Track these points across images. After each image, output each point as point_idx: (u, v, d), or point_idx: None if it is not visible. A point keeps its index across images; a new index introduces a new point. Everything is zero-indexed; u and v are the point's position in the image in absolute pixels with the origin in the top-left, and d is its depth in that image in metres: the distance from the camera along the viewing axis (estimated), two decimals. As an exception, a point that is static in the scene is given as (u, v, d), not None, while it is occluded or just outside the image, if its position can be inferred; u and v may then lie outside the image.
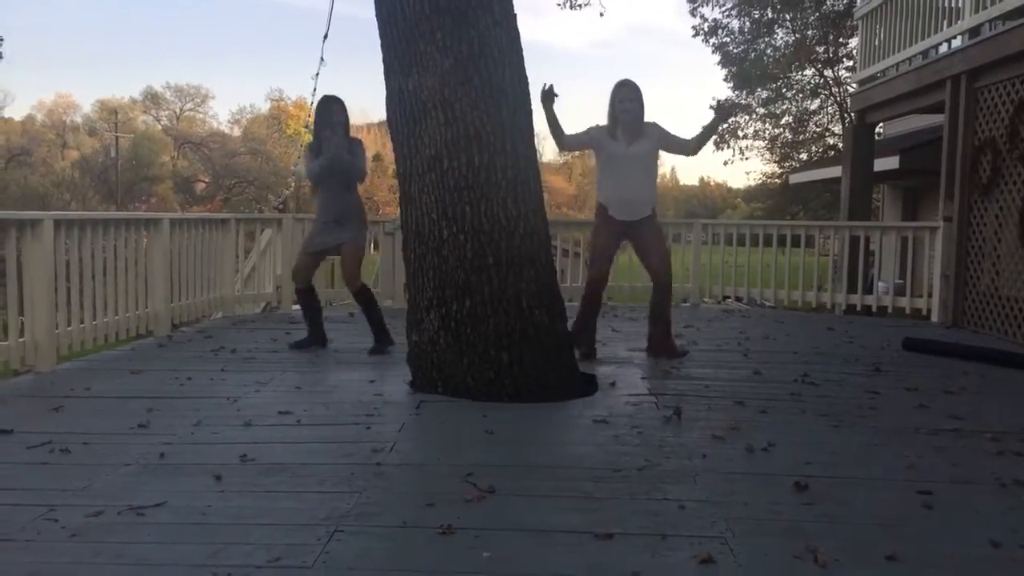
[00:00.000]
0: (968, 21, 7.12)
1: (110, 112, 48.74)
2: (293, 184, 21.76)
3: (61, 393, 4.07)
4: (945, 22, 7.72)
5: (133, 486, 2.75)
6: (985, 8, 6.84)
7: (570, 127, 4.96)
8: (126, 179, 44.64)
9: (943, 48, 7.81)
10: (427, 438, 3.45)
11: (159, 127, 52.69)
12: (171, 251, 5.98)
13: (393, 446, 3.22)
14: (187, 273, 6.30)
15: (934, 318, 7.30)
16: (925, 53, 8.15)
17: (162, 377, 4.46)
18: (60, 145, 49.62)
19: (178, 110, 54.34)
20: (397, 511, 2.56)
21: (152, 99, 53.84)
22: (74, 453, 3.09)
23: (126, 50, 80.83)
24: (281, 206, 13.07)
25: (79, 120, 53.57)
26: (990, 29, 6.88)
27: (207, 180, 47.48)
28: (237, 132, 52.97)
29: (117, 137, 44.63)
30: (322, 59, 7.86)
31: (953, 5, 7.62)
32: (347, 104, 5.30)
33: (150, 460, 3.02)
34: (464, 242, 3.94)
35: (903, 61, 8.64)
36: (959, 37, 7.40)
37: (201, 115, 54.71)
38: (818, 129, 26.56)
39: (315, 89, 8.60)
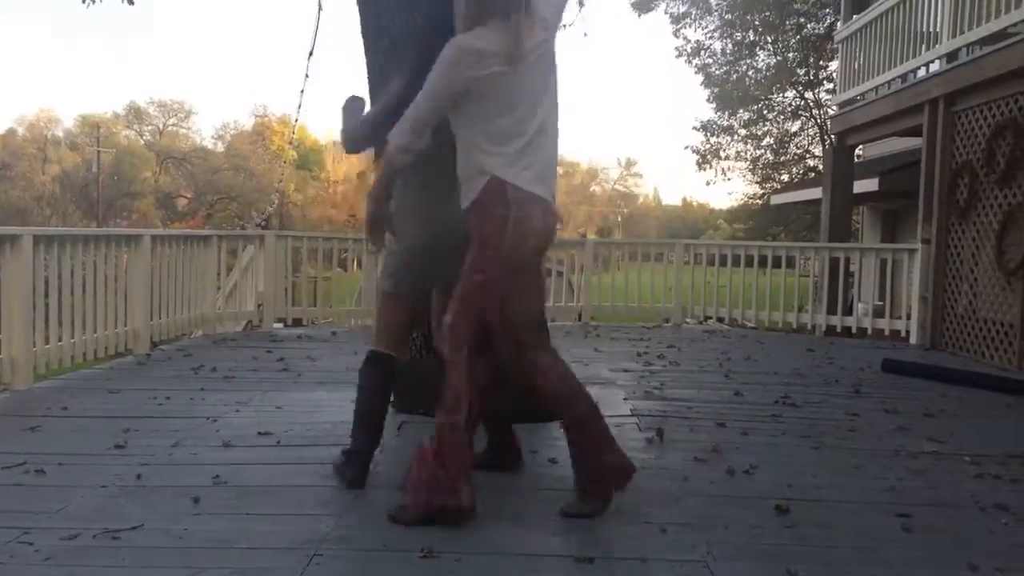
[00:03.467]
0: (946, 46, 7.24)
1: (92, 127, 48.46)
2: (276, 200, 21.68)
3: (37, 412, 4.01)
4: (923, 46, 7.84)
5: (109, 508, 2.71)
6: (962, 33, 6.96)
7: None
8: (107, 194, 44.33)
9: (921, 72, 7.94)
10: (408, 459, 3.42)
11: (142, 142, 52.40)
12: (152, 268, 5.93)
13: (374, 467, 3.19)
14: (167, 290, 6.25)
15: (913, 340, 7.37)
16: (904, 77, 8.27)
17: (140, 396, 4.41)
18: (41, 160, 49.22)
19: (161, 125, 54.10)
20: (377, 534, 2.54)
21: (135, 114, 53.58)
22: (49, 474, 3.04)
23: (110, 65, 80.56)
24: (264, 223, 13.03)
25: (61, 135, 53.25)
26: (967, 54, 7.00)
27: (189, 196, 47.26)
28: (221, 148, 52.84)
29: (99, 152, 44.36)
30: (307, 75, 7.89)
31: (931, 30, 7.75)
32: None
33: (127, 482, 2.98)
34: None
35: (882, 84, 8.77)
36: (937, 61, 7.52)
37: (184, 130, 54.50)
38: (799, 151, 26.86)
39: (300, 105, 8.60)
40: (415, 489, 2.62)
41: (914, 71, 8.07)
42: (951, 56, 7.20)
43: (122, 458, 3.27)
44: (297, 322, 8.01)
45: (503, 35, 2.55)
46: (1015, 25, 6.26)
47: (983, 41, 6.71)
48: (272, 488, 2.96)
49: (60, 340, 5.02)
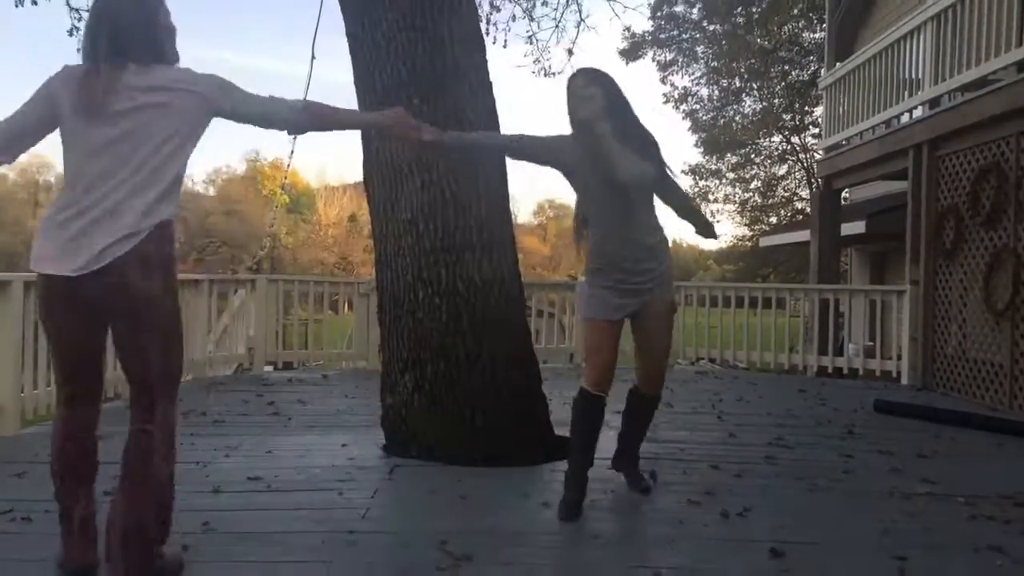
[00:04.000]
0: (928, 92, 7.39)
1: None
2: (268, 244, 21.71)
3: (24, 458, 3.96)
4: (906, 92, 8.00)
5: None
6: (944, 80, 7.11)
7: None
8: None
9: (905, 118, 8.08)
10: (401, 504, 3.39)
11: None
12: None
13: (366, 512, 3.17)
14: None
15: (904, 380, 7.38)
16: (888, 122, 8.42)
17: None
18: (32, 204, 49.19)
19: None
20: (369, 581, 2.50)
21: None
22: (36, 522, 2.99)
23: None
24: (256, 267, 13.03)
25: (52, 180, 53.23)
26: (949, 100, 7.15)
27: (180, 240, 47.17)
28: (212, 192, 52.95)
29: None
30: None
31: (914, 77, 7.92)
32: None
33: (114, 528, 2.93)
34: (439, 304, 3.95)
35: (867, 130, 8.92)
36: (920, 107, 7.67)
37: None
38: (786, 193, 27.19)
39: (292, 152, 8.68)
40: None
41: (898, 117, 8.22)
42: (934, 102, 7.35)
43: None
44: (288, 365, 7.97)
45: None
46: (994, 72, 6.42)
47: (964, 88, 6.86)
48: (262, 534, 2.92)
49: (49, 385, 4.97)
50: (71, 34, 7.71)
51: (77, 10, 7.62)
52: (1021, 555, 2.78)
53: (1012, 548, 2.85)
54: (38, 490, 3.39)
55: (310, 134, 2.79)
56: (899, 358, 7.58)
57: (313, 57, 6.88)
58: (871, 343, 8.16)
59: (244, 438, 4.47)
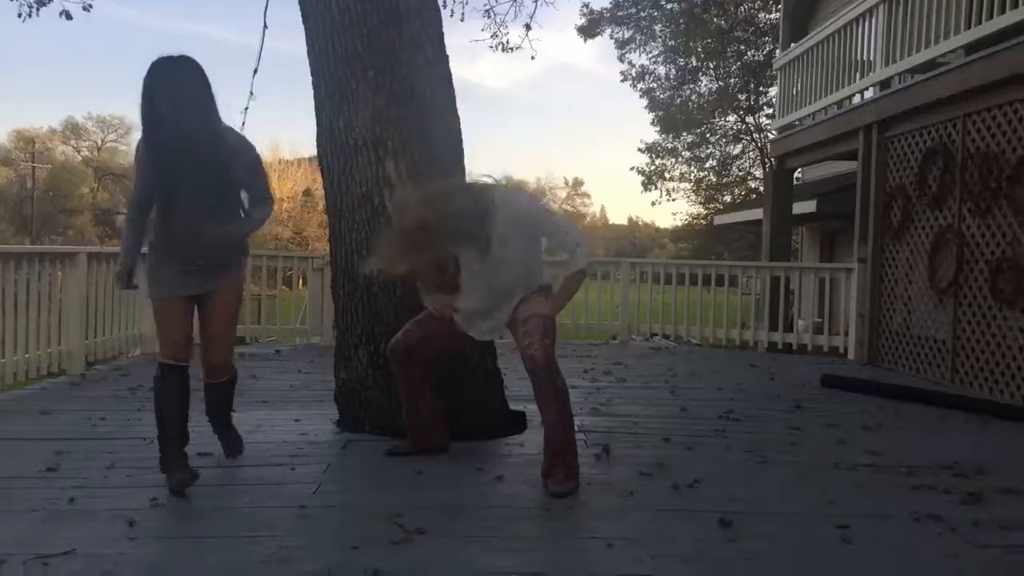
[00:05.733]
0: (879, 74, 7.51)
1: (27, 142, 47.03)
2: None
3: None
4: (858, 74, 8.12)
5: (40, 533, 2.61)
6: (894, 62, 7.24)
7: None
8: (43, 211, 43.03)
9: (856, 99, 8.21)
10: (354, 479, 3.38)
11: (79, 158, 51.03)
12: (88, 286, 5.76)
13: (318, 488, 3.14)
14: (104, 309, 6.08)
15: (850, 356, 7.56)
16: (839, 103, 8.55)
17: (74, 418, 4.26)
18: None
19: (99, 141, 52.79)
20: (322, 556, 2.49)
21: (72, 129, 52.17)
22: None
23: (49, 81, 78.35)
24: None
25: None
26: (899, 82, 7.27)
27: (123, 211, 46.12)
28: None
29: (34, 168, 43.07)
30: (251, 93, 7.77)
31: (865, 58, 8.04)
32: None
33: (59, 506, 2.87)
34: (394, 280, 3.91)
35: (819, 110, 9.04)
36: (871, 89, 7.79)
37: (124, 147, 53.09)
38: (741, 173, 27.56)
39: (243, 123, 8.46)
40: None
41: (849, 98, 8.35)
42: (884, 84, 7.47)
43: (54, 481, 3.15)
44: (240, 340, 7.84)
45: None
46: (944, 55, 6.54)
47: (914, 70, 6.98)
48: (212, 510, 2.88)
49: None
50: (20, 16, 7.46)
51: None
52: (959, 523, 2.88)
53: (950, 517, 2.94)
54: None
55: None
56: (847, 334, 7.75)
57: (265, 27, 6.70)
58: (820, 320, 8.34)
59: (194, 413, 4.38)
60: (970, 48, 6.18)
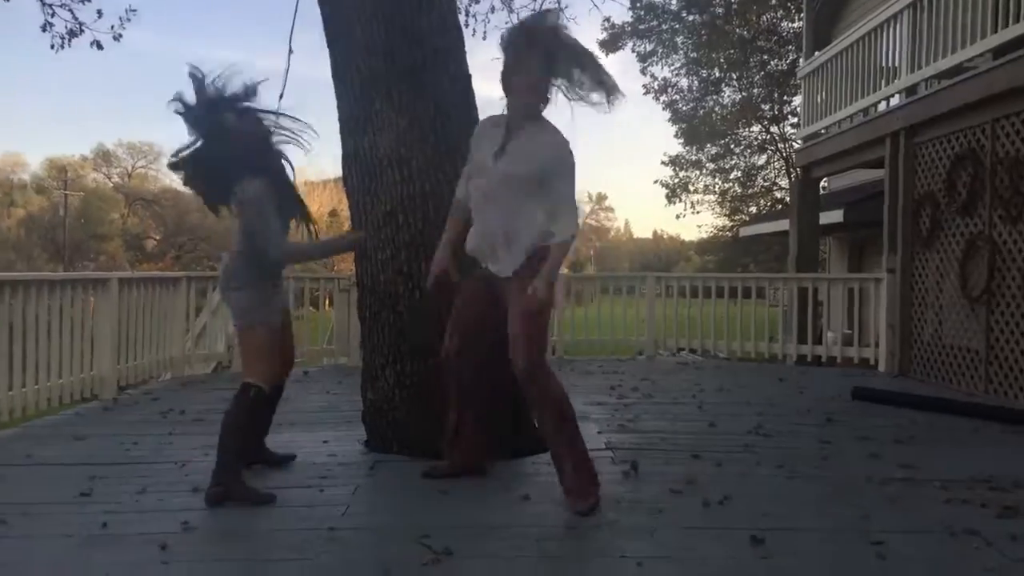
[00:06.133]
0: (904, 80, 7.44)
1: (59, 170, 47.99)
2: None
3: (0, 461, 3.92)
4: (883, 81, 8.05)
5: (74, 558, 2.65)
6: (920, 68, 7.17)
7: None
8: (75, 237, 43.79)
9: (882, 106, 8.14)
10: (382, 500, 3.39)
11: (110, 185, 51.91)
12: (119, 311, 5.85)
13: (347, 509, 3.15)
14: (135, 334, 6.17)
15: (881, 367, 7.45)
16: (865, 111, 8.47)
17: (107, 442, 4.32)
18: (7, 204, 48.61)
19: (130, 167, 53.67)
20: (350, 577, 2.49)
21: (103, 157, 53.12)
22: (12, 524, 2.96)
23: (79, 108, 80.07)
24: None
25: (27, 178, 52.69)
26: (926, 88, 7.20)
27: (158, 238, 46.80)
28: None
29: (66, 195, 43.90)
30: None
31: (890, 65, 7.97)
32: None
33: (92, 530, 2.90)
34: (420, 298, 3.93)
35: (844, 118, 8.97)
36: (897, 95, 7.72)
37: (154, 172, 54.00)
38: (766, 183, 27.33)
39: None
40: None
41: (875, 105, 8.27)
42: (910, 90, 7.39)
43: (88, 506, 3.19)
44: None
45: None
46: (971, 60, 6.47)
47: (940, 76, 6.91)
48: (242, 533, 2.90)
49: (24, 386, 4.92)
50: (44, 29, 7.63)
51: (51, 5, 7.56)
52: (995, 537, 2.82)
53: (987, 531, 2.88)
54: (14, 492, 3.37)
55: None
56: (877, 345, 7.65)
57: (291, 51, 6.80)
58: (849, 331, 8.23)
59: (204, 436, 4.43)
60: (997, 52, 6.11)
